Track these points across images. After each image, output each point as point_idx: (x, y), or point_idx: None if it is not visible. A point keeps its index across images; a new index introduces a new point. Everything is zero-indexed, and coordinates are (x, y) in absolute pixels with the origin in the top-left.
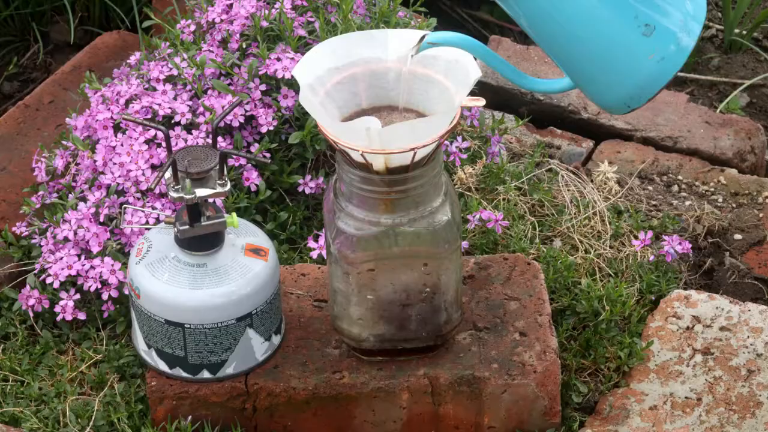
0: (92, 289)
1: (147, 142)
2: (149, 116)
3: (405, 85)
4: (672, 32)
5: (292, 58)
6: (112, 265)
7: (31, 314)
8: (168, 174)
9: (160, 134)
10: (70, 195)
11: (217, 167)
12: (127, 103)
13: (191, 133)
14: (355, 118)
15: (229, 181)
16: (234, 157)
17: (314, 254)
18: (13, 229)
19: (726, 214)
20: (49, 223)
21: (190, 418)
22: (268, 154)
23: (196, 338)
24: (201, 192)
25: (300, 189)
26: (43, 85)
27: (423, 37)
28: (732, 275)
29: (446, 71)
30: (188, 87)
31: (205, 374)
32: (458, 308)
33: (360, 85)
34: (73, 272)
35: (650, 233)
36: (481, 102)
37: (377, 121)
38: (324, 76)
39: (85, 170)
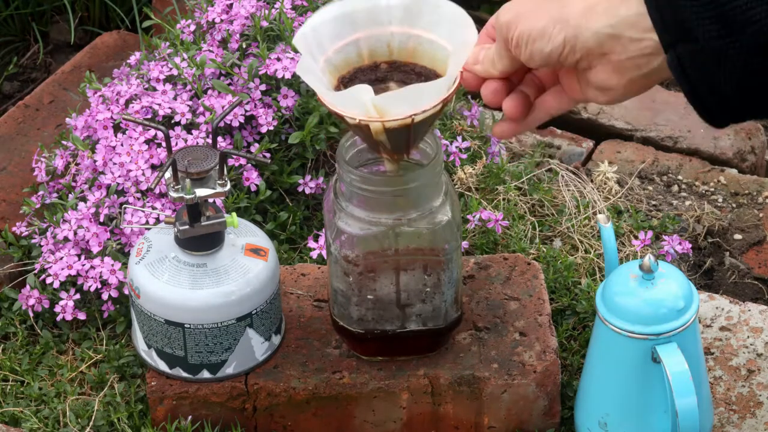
0: (92, 289)
1: (147, 142)
2: (149, 116)
3: (410, 49)
4: None
5: (292, 58)
6: (112, 265)
7: (31, 314)
8: (168, 174)
9: (160, 134)
10: (70, 195)
11: (217, 167)
12: (127, 103)
13: (191, 133)
14: (355, 74)
15: (229, 181)
16: (234, 157)
17: (314, 254)
18: (13, 229)
19: (726, 214)
20: (49, 223)
21: (190, 418)
22: (268, 154)
23: (196, 338)
24: (201, 192)
25: (300, 189)
26: (43, 85)
27: None
28: (732, 275)
29: (449, 36)
30: (188, 87)
31: (205, 374)
32: (458, 308)
33: (364, 51)
34: (73, 272)
35: (650, 233)
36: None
37: (369, 89)
38: (325, 42)
39: (85, 170)
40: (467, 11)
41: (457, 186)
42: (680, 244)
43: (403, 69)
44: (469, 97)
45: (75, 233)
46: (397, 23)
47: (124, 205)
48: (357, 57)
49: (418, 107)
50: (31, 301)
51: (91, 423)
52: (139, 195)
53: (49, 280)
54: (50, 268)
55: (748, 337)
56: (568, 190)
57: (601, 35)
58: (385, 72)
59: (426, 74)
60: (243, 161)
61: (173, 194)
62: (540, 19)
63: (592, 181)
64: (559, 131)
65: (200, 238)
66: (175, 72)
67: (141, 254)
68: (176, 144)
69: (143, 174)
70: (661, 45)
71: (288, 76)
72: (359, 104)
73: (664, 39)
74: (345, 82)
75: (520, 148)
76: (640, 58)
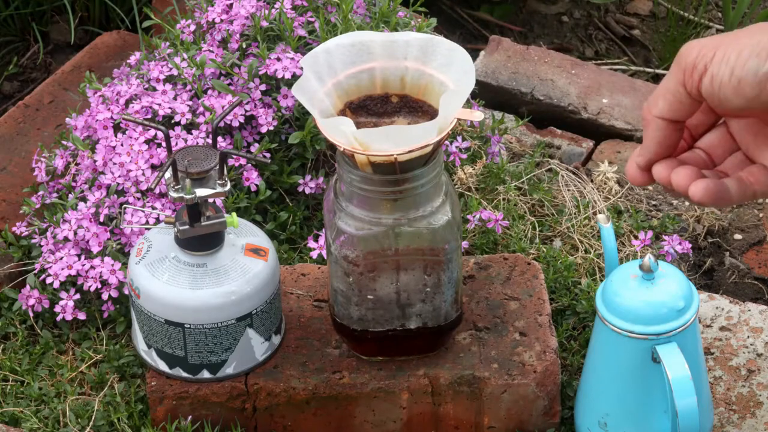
0: (92, 289)
1: (147, 142)
2: (149, 116)
3: (422, 85)
4: None
5: (292, 58)
6: (112, 265)
7: (31, 314)
8: (168, 174)
9: (160, 134)
10: (70, 195)
11: (217, 167)
12: (127, 103)
13: (191, 133)
14: (365, 101)
15: (229, 181)
16: (234, 157)
17: (314, 254)
18: (13, 229)
19: (726, 214)
20: (49, 223)
21: (190, 418)
22: (268, 154)
23: (196, 338)
24: (201, 192)
25: (300, 189)
26: (43, 85)
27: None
28: (732, 275)
29: (457, 81)
30: (188, 87)
31: (205, 374)
32: (458, 308)
33: (378, 80)
34: (73, 272)
35: (650, 233)
36: (478, 116)
37: (350, 122)
38: (338, 66)
39: (85, 170)
40: (467, 11)
41: (457, 186)
42: (680, 244)
43: (412, 105)
44: (469, 98)
45: (75, 233)
46: (413, 59)
47: (124, 205)
48: (370, 84)
49: (401, 148)
50: (31, 301)
51: (91, 423)
52: (139, 195)
53: (49, 280)
54: (50, 268)
55: (748, 337)
56: (568, 190)
57: None
58: (395, 106)
59: (432, 114)
60: (243, 161)
61: (173, 194)
62: (743, 46)
63: (592, 181)
64: (559, 131)
65: (200, 238)
66: (175, 72)
67: (141, 254)
68: (176, 144)
69: (143, 174)
70: None
71: (288, 76)
72: (342, 134)
73: None
74: (353, 108)
75: (520, 148)
76: None
